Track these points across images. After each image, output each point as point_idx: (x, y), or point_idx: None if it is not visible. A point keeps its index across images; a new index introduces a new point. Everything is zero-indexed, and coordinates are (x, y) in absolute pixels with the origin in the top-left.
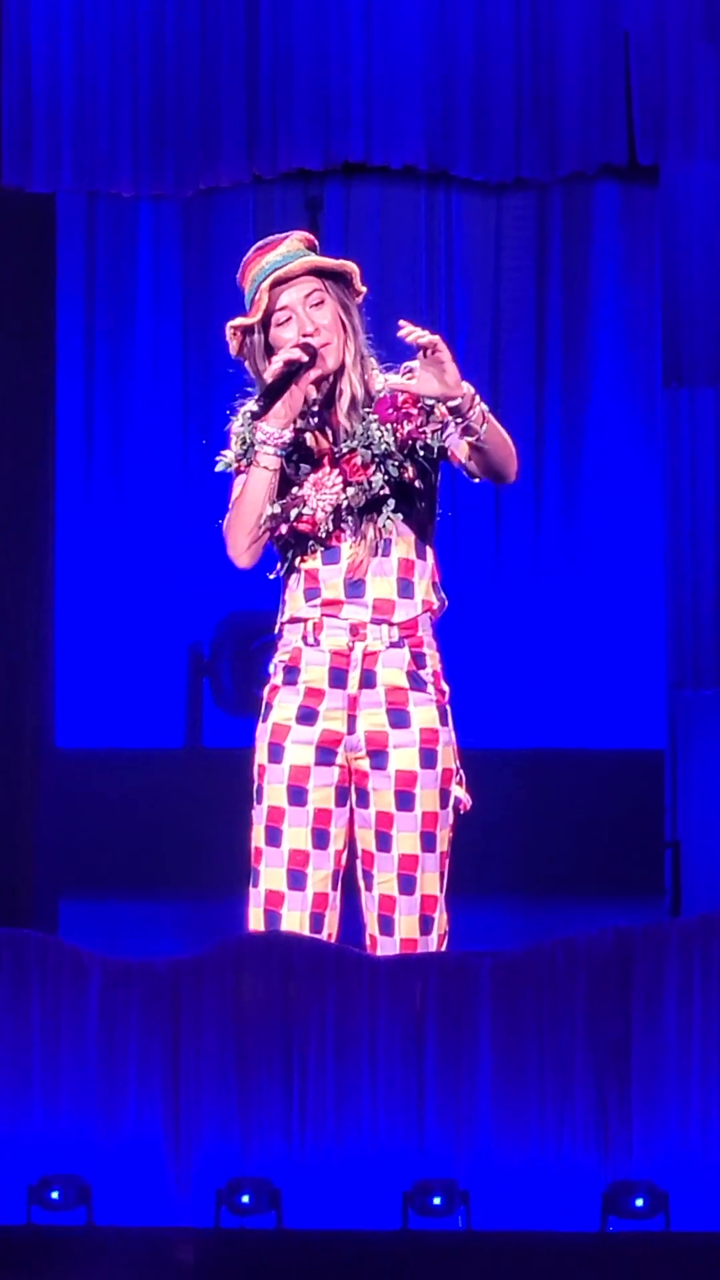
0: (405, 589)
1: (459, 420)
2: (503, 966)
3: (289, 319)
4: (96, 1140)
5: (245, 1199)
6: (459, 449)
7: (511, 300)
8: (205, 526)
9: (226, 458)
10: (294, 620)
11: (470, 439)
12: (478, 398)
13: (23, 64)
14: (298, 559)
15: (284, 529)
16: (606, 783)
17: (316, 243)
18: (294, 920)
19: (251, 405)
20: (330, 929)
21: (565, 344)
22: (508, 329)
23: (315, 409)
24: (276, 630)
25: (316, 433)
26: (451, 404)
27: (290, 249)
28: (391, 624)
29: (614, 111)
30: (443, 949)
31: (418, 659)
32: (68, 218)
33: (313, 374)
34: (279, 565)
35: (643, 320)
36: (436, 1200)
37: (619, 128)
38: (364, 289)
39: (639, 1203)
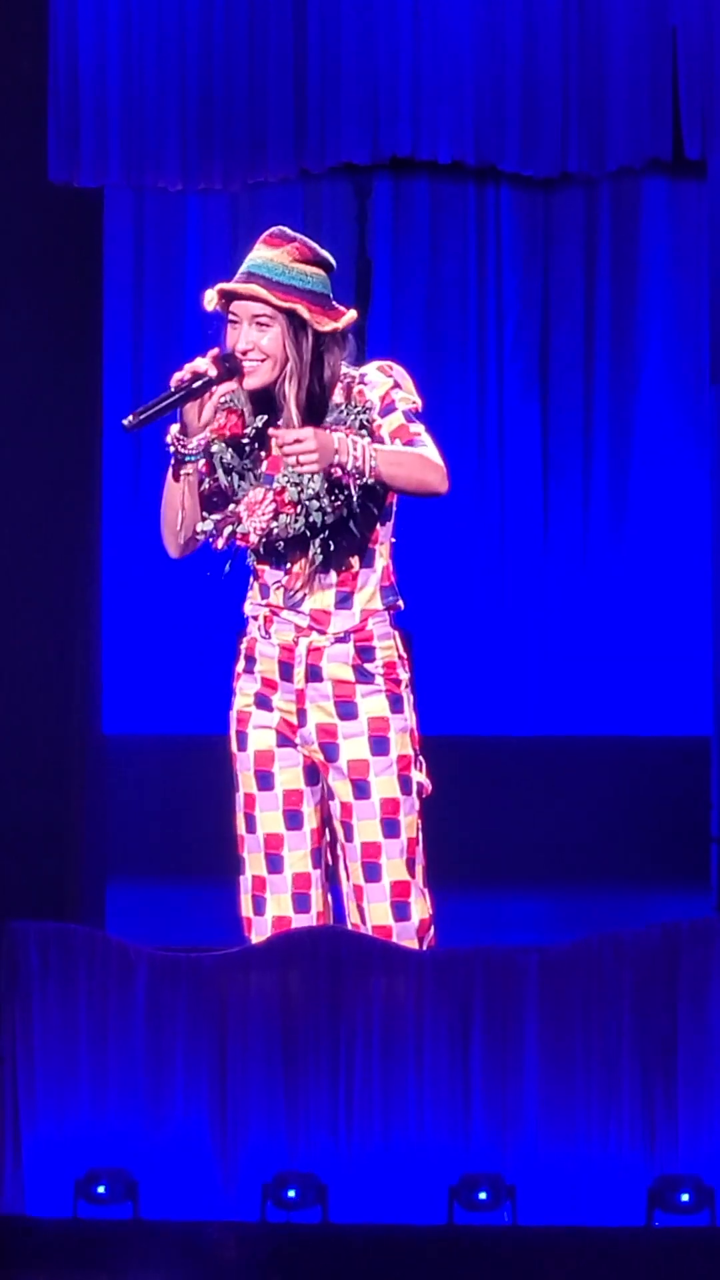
0: (343, 600)
1: (356, 479)
2: (549, 962)
3: (235, 326)
4: (143, 1134)
5: (291, 1193)
6: None
7: (560, 293)
8: None
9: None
10: (252, 614)
11: (372, 480)
12: (356, 448)
13: (70, 60)
14: (253, 557)
15: (219, 543)
16: (654, 772)
17: (318, 253)
18: (278, 904)
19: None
20: (318, 906)
21: (613, 338)
22: (557, 320)
23: (255, 428)
24: (248, 608)
25: (260, 454)
26: (341, 471)
27: (274, 260)
28: (329, 634)
29: (662, 106)
30: (427, 935)
31: (364, 653)
32: (115, 212)
33: (225, 387)
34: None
35: (691, 316)
36: (482, 1195)
37: (666, 123)
38: (343, 321)
39: (685, 1198)
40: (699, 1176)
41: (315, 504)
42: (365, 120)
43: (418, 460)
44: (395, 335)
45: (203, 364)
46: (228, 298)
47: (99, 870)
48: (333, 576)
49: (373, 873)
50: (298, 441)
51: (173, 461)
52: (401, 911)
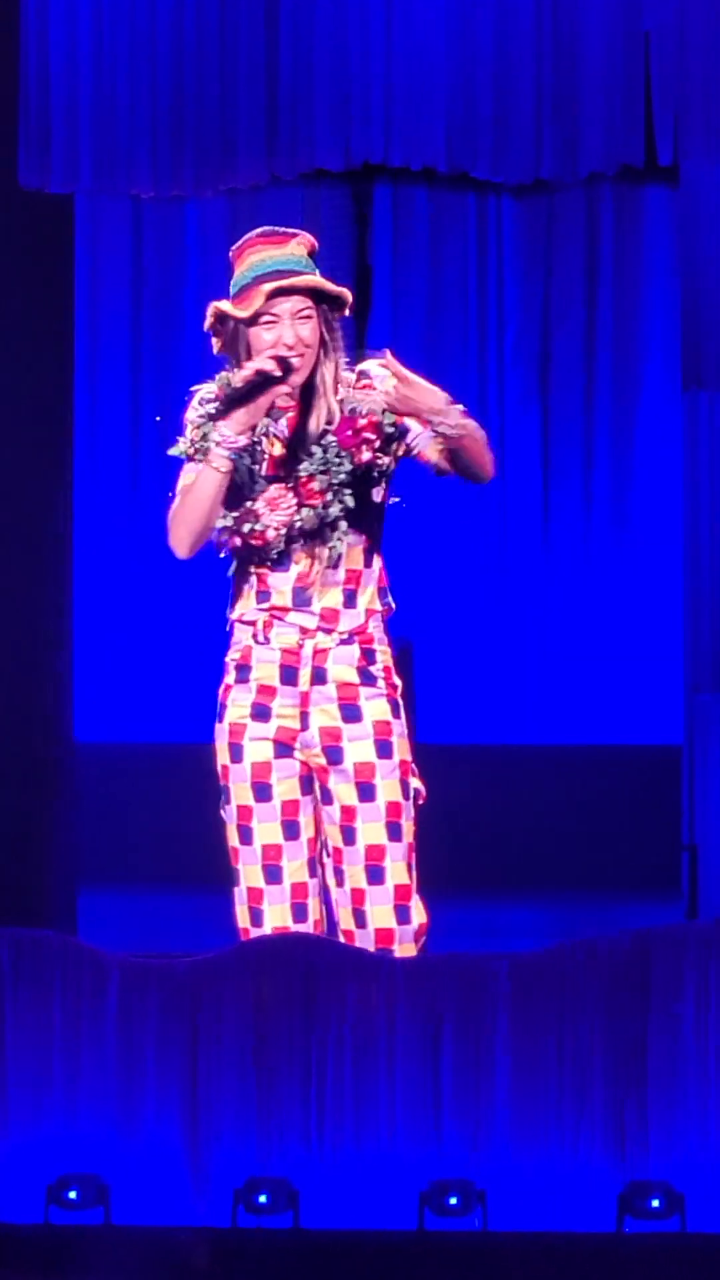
0: (350, 599)
1: (446, 432)
2: (521, 968)
3: (273, 324)
4: (115, 1140)
5: (262, 1199)
6: (430, 451)
7: (561, 300)
8: None
9: (182, 444)
10: (243, 621)
11: (452, 445)
12: (458, 405)
13: (41, 66)
14: (250, 565)
15: (236, 540)
16: (626, 781)
17: (317, 246)
18: (277, 914)
19: (209, 388)
20: (315, 915)
21: (614, 345)
22: (558, 326)
23: (280, 424)
24: (227, 628)
25: (279, 447)
26: (438, 419)
27: (294, 254)
28: (338, 636)
29: (634, 113)
30: (422, 940)
31: (368, 655)
32: (114, 215)
33: (282, 389)
34: (232, 566)
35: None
36: (453, 1201)
37: (639, 129)
38: (349, 302)
39: (655, 1204)
40: (669, 1182)
41: (345, 492)
42: (337, 126)
43: (485, 440)
44: (394, 342)
45: (268, 364)
46: (250, 298)
47: (71, 877)
48: (341, 574)
49: (376, 875)
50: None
51: (216, 457)
52: (403, 915)
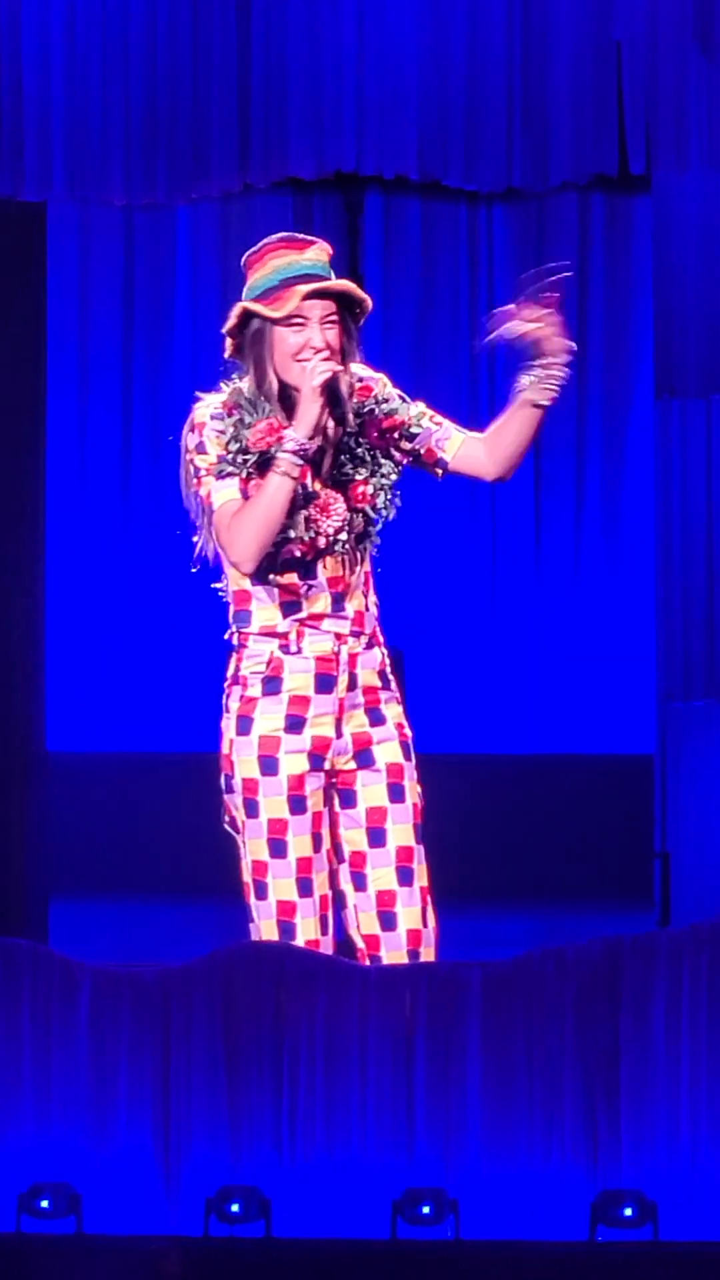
0: (366, 601)
1: (556, 384)
2: (492, 976)
3: (301, 327)
4: (86, 1149)
5: (235, 1208)
6: (447, 445)
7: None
8: None
9: (209, 459)
10: (268, 633)
11: (534, 403)
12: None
13: (13, 72)
14: (271, 573)
15: (296, 551)
16: (598, 790)
17: (333, 253)
18: (309, 927)
19: (214, 400)
20: (331, 927)
21: (606, 353)
22: None
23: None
24: (236, 640)
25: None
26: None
27: (319, 259)
28: (371, 642)
29: (606, 122)
30: (437, 943)
31: (383, 658)
32: (105, 221)
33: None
34: (235, 579)
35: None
36: (426, 1209)
37: (610, 138)
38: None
39: (628, 1212)
40: (641, 1191)
41: (396, 494)
42: (310, 135)
43: None
44: (386, 350)
45: (333, 364)
46: (282, 299)
47: (42, 887)
48: (361, 576)
49: (406, 877)
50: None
51: (290, 466)
52: (427, 917)
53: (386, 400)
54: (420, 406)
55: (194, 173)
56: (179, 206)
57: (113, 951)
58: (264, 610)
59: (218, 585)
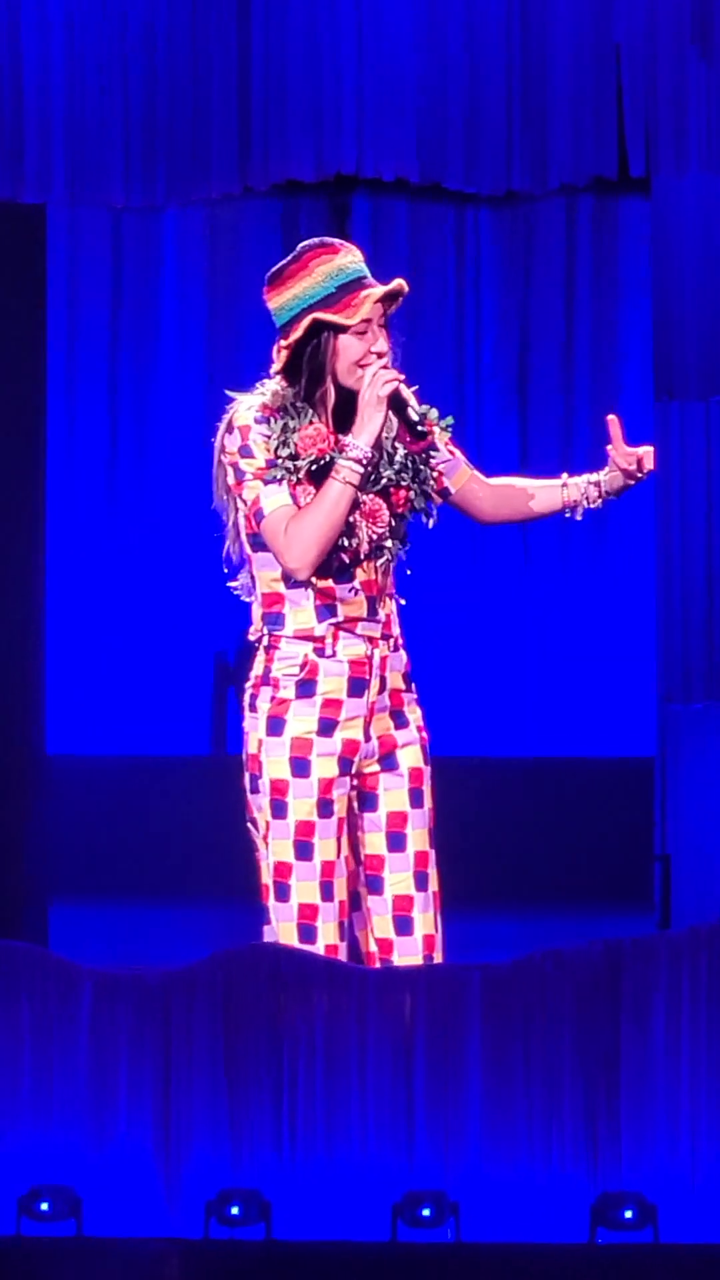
0: (394, 605)
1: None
2: (492, 979)
3: (365, 332)
4: (86, 1152)
5: (235, 1210)
6: (455, 477)
7: (539, 311)
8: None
9: (256, 464)
10: (303, 636)
11: (585, 504)
12: None
13: (13, 74)
14: (312, 577)
15: (345, 557)
16: (598, 793)
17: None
18: (329, 931)
19: (252, 401)
20: (346, 932)
21: (592, 356)
22: (536, 338)
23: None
24: (266, 641)
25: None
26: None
27: (359, 261)
28: (393, 637)
29: (605, 124)
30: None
31: (407, 661)
32: (93, 225)
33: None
34: (262, 581)
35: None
36: (426, 1212)
37: (610, 140)
38: None
39: (628, 1214)
40: (641, 1193)
41: (431, 501)
42: (309, 137)
43: None
44: None
45: (393, 372)
46: (352, 306)
47: (42, 891)
48: (391, 584)
49: (423, 882)
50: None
51: (352, 475)
52: (438, 923)
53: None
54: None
55: (193, 175)
56: (167, 210)
57: (113, 955)
58: (299, 613)
59: (234, 585)
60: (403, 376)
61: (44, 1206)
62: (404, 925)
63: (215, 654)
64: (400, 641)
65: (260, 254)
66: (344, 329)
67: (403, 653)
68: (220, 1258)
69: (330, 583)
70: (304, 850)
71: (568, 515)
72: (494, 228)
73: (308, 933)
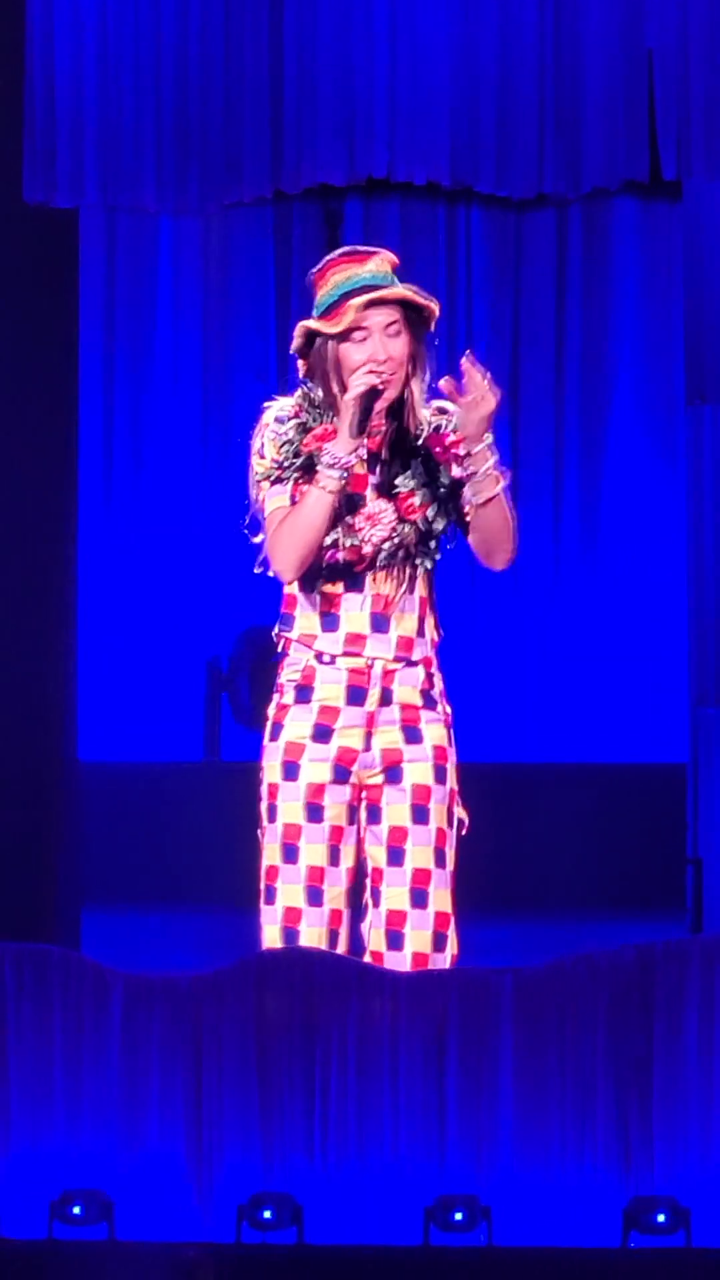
0: (421, 628)
1: (468, 471)
2: (524, 983)
3: (365, 339)
4: (118, 1155)
5: (267, 1214)
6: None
7: (530, 316)
8: (223, 540)
9: (264, 465)
10: (306, 641)
11: (473, 501)
12: (499, 471)
13: (46, 79)
14: (317, 580)
15: (340, 556)
16: (629, 798)
17: (398, 263)
18: (313, 935)
19: (284, 404)
20: (343, 946)
21: (584, 362)
22: (527, 344)
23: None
24: (279, 645)
25: (362, 466)
26: (471, 450)
27: (380, 269)
28: (411, 663)
29: (637, 128)
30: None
31: (429, 678)
32: (89, 232)
33: (380, 404)
34: (289, 582)
35: (662, 339)
36: (458, 1216)
37: (642, 144)
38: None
39: (660, 1219)
40: (674, 1197)
41: (451, 504)
42: (341, 141)
43: (514, 522)
44: None
45: (372, 378)
46: (340, 314)
47: (74, 896)
48: (415, 603)
49: (420, 899)
50: (489, 392)
51: (328, 479)
52: (440, 943)
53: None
54: None
55: (225, 180)
56: (162, 216)
57: (145, 959)
58: (306, 618)
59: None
60: (382, 379)
61: (76, 1210)
62: (395, 940)
63: (208, 661)
64: (428, 664)
65: (253, 257)
66: (332, 336)
67: (421, 670)
68: (252, 1262)
69: (339, 589)
70: (289, 854)
71: (484, 499)
72: (485, 234)
73: (290, 936)
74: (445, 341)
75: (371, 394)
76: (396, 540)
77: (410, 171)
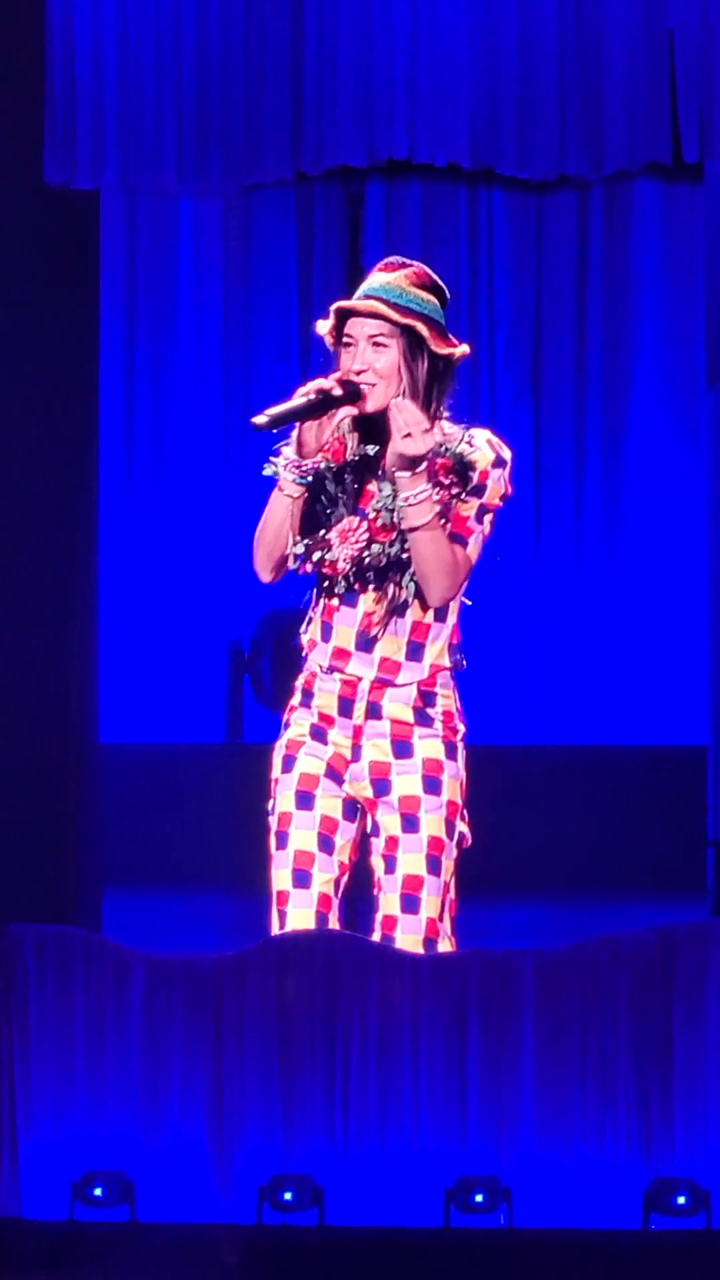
0: (414, 652)
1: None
2: (546, 965)
3: (350, 348)
4: (139, 1137)
5: (288, 1196)
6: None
7: (552, 299)
8: (246, 523)
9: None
10: (313, 646)
11: (403, 525)
12: (432, 504)
13: (66, 61)
14: (321, 593)
15: (308, 567)
16: (650, 780)
17: (431, 280)
18: (300, 917)
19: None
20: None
21: (606, 344)
22: (549, 326)
23: (361, 454)
24: (306, 644)
25: (356, 486)
26: (403, 465)
27: (394, 283)
28: (396, 685)
29: (659, 110)
30: None
31: (426, 697)
32: (109, 214)
33: (345, 411)
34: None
35: (684, 321)
36: (479, 1197)
37: (664, 126)
38: (459, 349)
39: (681, 1200)
40: (695, 1179)
41: (396, 516)
42: (361, 123)
43: (450, 560)
44: None
45: (328, 383)
46: (341, 320)
47: (95, 878)
48: (406, 625)
49: (410, 905)
50: (415, 421)
51: (285, 481)
52: (430, 949)
53: (460, 454)
54: (470, 507)
55: (246, 161)
56: (182, 198)
57: (166, 941)
58: (314, 626)
59: None
60: (326, 385)
61: (98, 1192)
62: (386, 944)
63: (229, 643)
64: (404, 684)
65: (274, 240)
66: (330, 342)
67: (414, 689)
68: (273, 1243)
69: (335, 603)
70: (281, 840)
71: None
72: (507, 216)
73: (282, 919)
74: (468, 324)
75: (326, 400)
76: (367, 560)
77: (431, 153)
